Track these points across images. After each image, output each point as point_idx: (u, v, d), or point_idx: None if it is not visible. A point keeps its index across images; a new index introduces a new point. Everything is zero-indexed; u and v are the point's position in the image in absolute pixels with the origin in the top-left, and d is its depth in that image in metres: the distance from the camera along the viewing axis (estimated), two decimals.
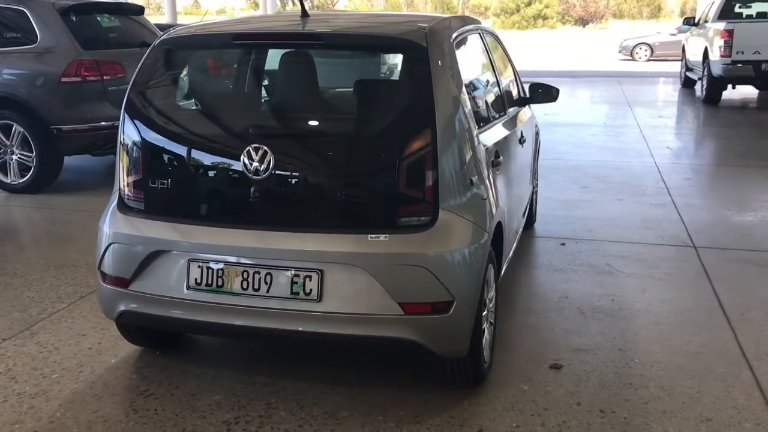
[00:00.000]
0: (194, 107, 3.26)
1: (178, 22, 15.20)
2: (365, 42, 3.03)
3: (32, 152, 6.66)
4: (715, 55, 12.31)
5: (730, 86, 12.86)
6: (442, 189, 2.79)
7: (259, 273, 2.85)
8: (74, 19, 6.85)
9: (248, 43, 3.17)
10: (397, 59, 3.22)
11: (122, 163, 3.12)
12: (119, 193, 3.15)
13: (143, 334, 3.42)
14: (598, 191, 6.68)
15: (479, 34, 3.90)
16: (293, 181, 2.88)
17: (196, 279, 2.92)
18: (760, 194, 6.56)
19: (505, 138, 3.69)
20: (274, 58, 3.19)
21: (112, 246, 3.07)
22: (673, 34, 26.04)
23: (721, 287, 4.31)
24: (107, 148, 6.85)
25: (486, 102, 3.62)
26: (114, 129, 6.62)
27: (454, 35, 3.22)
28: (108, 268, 3.10)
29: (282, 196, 2.88)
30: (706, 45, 12.89)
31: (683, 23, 15.61)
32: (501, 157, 3.37)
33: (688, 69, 15.20)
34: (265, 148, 2.81)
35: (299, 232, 2.84)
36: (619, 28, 52.67)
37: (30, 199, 6.60)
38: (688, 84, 15.57)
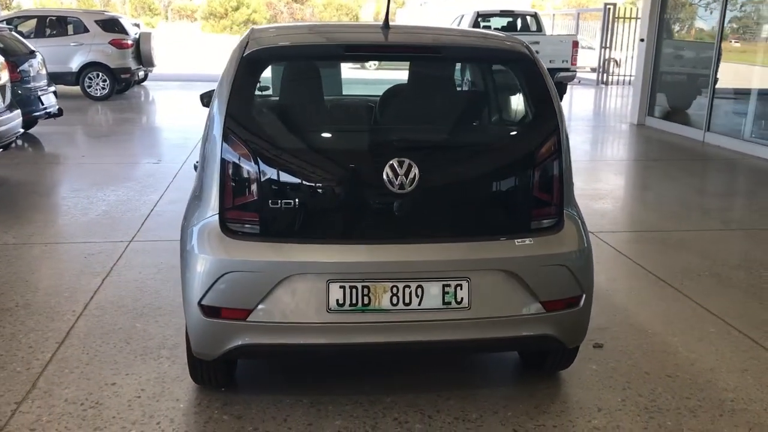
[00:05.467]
0: (315, 121, 3.03)
1: None
2: (481, 54, 3.11)
3: None
4: None
5: None
6: (565, 191, 3.02)
7: (409, 287, 2.81)
8: None
9: (361, 54, 3.05)
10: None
11: (225, 184, 2.82)
12: (219, 217, 2.84)
13: (222, 371, 3.12)
14: None
15: None
16: (437, 192, 2.87)
17: (337, 300, 2.78)
18: (591, 183, 7.66)
19: None
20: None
21: (227, 276, 2.77)
22: None
23: (644, 263, 5.08)
24: None
25: None
26: None
27: None
28: (220, 301, 2.79)
29: (427, 208, 2.86)
30: None
31: None
32: None
33: None
34: (409, 161, 2.78)
35: (445, 242, 2.87)
36: None
37: None
38: None
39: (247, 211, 2.81)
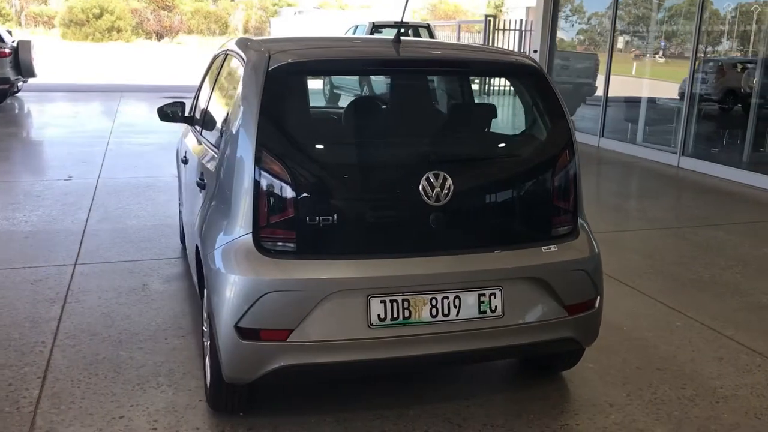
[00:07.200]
0: (348, 135, 2.96)
1: None
2: (498, 68, 3.17)
3: None
4: None
5: None
6: (579, 199, 3.16)
7: (447, 298, 2.84)
8: None
9: (389, 69, 3.02)
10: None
11: (258, 202, 2.73)
12: (253, 235, 2.75)
13: (246, 395, 3.01)
14: None
15: None
16: (470, 203, 2.92)
17: (379, 315, 2.77)
18: None
19: None
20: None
21: (268, 296, 2.68)
22: None
23: None
24: None
25: None
26: None
27: None
28: (259, 322, 2.70)
29: (461, 219, 2.89)
30: None
31: None
32: None
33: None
34: (444, 173, 2.81)
35: (479, 252, 2.92)
36: (193, 43, 53.87)
37: None
38: None
39: (283, 229, 2.74)
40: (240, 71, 3.16)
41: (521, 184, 3.04)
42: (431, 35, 15.93)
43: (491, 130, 3.27)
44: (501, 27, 20.85)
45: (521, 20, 21.64)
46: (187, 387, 3.34)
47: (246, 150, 2.76)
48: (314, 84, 13.36)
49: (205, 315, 3.19)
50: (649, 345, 3.98)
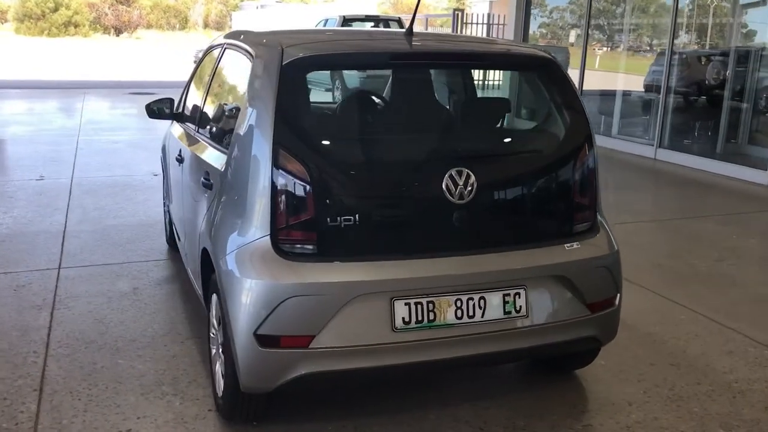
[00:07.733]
0: (368, 131, 2.84)
1: None
2: (514, 61, 3.07)
3: None
4: None
5: None
6: (597, 194, 3.09)
7: (473, 299, 2.74)
8: None
9: (406, 63, 2.90)
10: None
11: (276, 203, 2.60)
12: (271, 238, 2.62)
13: (262, 404, 2.88)
14: None
15: None
16: (494, 201, 2.83)
17: (403, 318, 2.66)
18: None
19: None
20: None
21: (289, 301, 2.55)
22: None
23: None
24: None
25: None
26: None
27: None
28: (280, 329, 2.57)
29: (484, 218, 2.80)
30: None
31: None
32: None
33: None
34: (467, 170, 2.71)
35: (503, 251, 2.83)
36: (152, 38, 53.04)
37: None
38: None
39: (303, 231, 2.62)
40: (246, 66, 3.02)
41: (544, 180, 2.96)
42: (401, 28, 15.83)
43: (522, 124, 3.18)
44: (469, 21, 20.83)
45: (489, 14, 21.65)
46: (194, 396, 3.19)
47: (261, 149, 2.63)
48: None
49: (214, 321, 3.06)
50: (658, 340, 3.94)
